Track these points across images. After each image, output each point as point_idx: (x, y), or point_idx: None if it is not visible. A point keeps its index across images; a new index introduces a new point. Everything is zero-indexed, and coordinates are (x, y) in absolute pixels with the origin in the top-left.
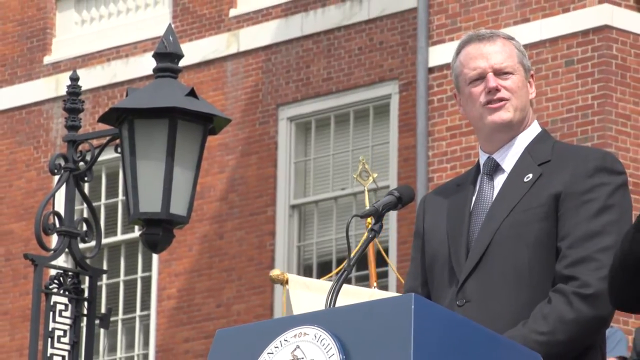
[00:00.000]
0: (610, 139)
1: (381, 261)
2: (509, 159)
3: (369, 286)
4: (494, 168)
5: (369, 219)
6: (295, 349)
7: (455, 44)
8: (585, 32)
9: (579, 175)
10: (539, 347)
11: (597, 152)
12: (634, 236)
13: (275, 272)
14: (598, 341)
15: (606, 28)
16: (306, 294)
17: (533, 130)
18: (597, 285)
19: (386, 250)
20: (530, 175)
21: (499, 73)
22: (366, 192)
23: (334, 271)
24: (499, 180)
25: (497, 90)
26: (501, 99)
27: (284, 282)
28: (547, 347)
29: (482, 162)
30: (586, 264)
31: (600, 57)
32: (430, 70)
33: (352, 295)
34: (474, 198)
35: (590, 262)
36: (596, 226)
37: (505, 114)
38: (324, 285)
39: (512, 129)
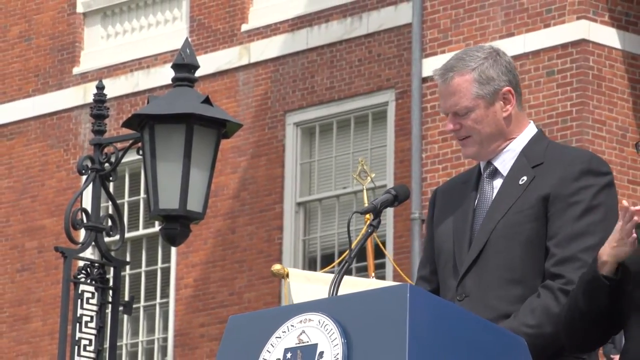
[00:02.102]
0: (587, 143)
1: (379, 253)
2: (505, 163)
3: (367, 276)
4: (493, 172)
5: (368, 215)
6: (301, 334)
7: (446, 56)
8: (564, 45)
9: (566, 179)
10: (527, 338)
11: (583, 155)
12: (578, 296)
13: (276, 267)
14: None
15: (583, 42)
16: (306, 285)
17: (528, 133)
18: None
19: (384, 244)
20: (525, 178)
21: (456, 115)
22: (365, 191)
23: (336, 261)
24: (498, 182)
25: (455, 131)
26: (463, 137)
27: (285, 276)
28: (534, 338)
29: (482, 166)
30: (571, 263)
31: (578, 68)
32: (424, 80)
33: (351, 285)
34: (477, 198)
35: (575, 261)
36: (580, 227)
37: (469, 150)
38: (323, 277)
39: (485, 156)
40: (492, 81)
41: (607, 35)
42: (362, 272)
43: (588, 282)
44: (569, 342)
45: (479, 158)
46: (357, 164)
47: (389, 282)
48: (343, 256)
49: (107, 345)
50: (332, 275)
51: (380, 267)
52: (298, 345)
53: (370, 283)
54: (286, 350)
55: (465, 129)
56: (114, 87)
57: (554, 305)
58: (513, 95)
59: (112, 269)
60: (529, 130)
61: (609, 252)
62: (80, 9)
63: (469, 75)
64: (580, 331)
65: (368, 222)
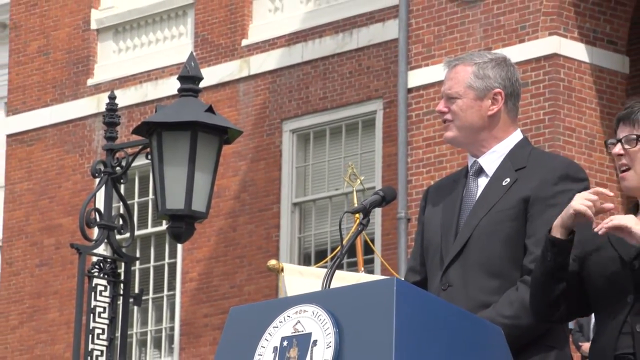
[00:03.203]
0: (559, 148)
1: (368, 250)
2: (491, 163)
3: (357, 271)
4: (479, 170)
5: (358, 215)
6: (296, 323)
7: (430, 69)
8: (537, 59)
9: (546, 183)
10: (504, 328)
11: (563, 162)
12: (537, 263)
13: (271, 263)
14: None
15: (555, 56)
16: (300, 279)
17: (514, 138)
18: None
19: (372, 241)
20: (508, 180)
21: (448, 97)
22: (354, 192)
23: (329, 257)
24: (483, 182)
25: (441, 112)
26: (445, 120)
27: (279, 271)
28: (510, 328)
29: (469, 164)
30: None
31: (550, 80)
32: (409, 90)
33: (341, 279)
34: (463, 195)
35: None
36: None
37: (448, 133)
38: (315, 271)
39: (463, 144)
40: (487, 79)
41: (577, 50)
42: (353, 267)
43: (543, 246)
44: (533, 309)
45: (456, 144)
46: (347, 168)
47: (377, 276)
48: (335, 252)
49: (118, 334)
50: (323, 270)
51: (369, 262)
52: (294, 334)
53: (359, 277)
54: (283, 339)
55: (450, 113)
56: (125, 97)
57: None
58: (502, 99)
59: (123, 264)
60: (515, 136)
61: (559, 217)
62: (94, 25)
63: (470, 67)
64: (539, 294)
65: (358, 221)
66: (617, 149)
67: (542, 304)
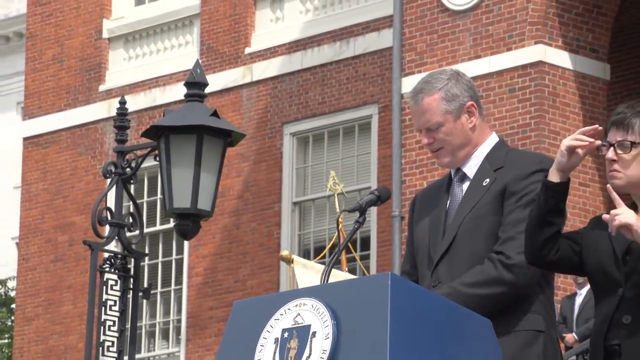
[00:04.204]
0: (544, 150)
1: (364, 246)
2: (472, 168)
3: (341, 269)
4: (462, 177)
5: (341, 217)
6: (296, 316)
7: (422, 75)
8: (524, 66)
9: (519, 177)
10: (464, 297)
11: (536, 157)
12: (533, 206)
13: (284, 253)
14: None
15: (540, 63)
16: (304, 271)
17: (491, 141)
18: (516, 258)
19: (368, 238)
20: (488, 180)
21: (429, 130)
22: (336, 197)
23: (325, 249)
24: (466, 185)
25: (429, 144)
26: (437, 149)
27: (290, 261)
28: (471, 297)
29: (452, 173)
30: (510, 242)
31: (536, 86)
32: (403, 95)
33: (335, 277)
34: (449, 200)
35: (513, 241)
36: (524, 215)
37: (443, 160)
38: (317, 266)
39: (458, 163)
40: (457, 98)
41: (561, 58)
42: (350, 262)
43: (540, 189)
44: (526, 251)
45: (452, 166)
46: (345, 169)
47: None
48: (332, 242)
49: (128, 325)
50: (322, 266)
51: (365, 258)
52: (294, 326)
53: (345, 276)
54: (284, 331)
55: (438, 141)
56: (135, 102)
57: (493, 271)
58: (476, 109)
59: (132, 259)
60: (492, 139)
61: (554, 161)
62: (105, 35)
63: (437, 95)
64: (531, 236)
65: (341, 224)
66: (610, 154)
67: (533, 245)
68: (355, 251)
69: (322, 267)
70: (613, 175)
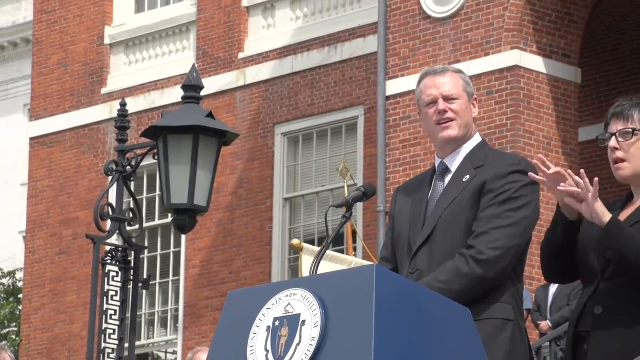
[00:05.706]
0: (519, 149)
1: (354, 239)
2: (455, 163)
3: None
4: (445, 170)
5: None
6: (287, 305)
7: (406, 79)
8: (501, 70)
9: (498, 176)
10: (438, 292)
11: (515, 158)
12: (549, 232)
13: (295, 241)
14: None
15: (516, 67)
16: (312, 259)
17: (475, 140)
18: (488, 253)
19: (354, 231)
20: (468, 176)
21: (447, 99)
22: (346, 186)
23: (330, 240)
24: (448, 179)
25: (445, 111)
26: (449, 119)
27: (301, 250)
28: (443, 292)
29: (436, 165)
30: (482, 237)
31: (512, 89)
32: (387, 98)
33: (337, 260)
34: (430, 192)
35: (486, 236)
36: (498, 211)
37: (452, 131)
38: (328, 254)
39: (458, 141)
40: (470, 86)
41: (535, 62)
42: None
43: (554, 218)
44: (545, 270)
45: (453, 142)
46: (335, 167)
47: (366, 262)
48: (335, 234)
49: (129, 314)
50: (334, 254)
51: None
52: (285, 315)
53: (351, 261)
54: (275, 319)
55: (452, 112)
56: (135, 104)
57: (465, 267)
58: (477, 104)
59: (133, 252)
60: (477, 138)
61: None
62: (107, 40)
63: (459, 75)
64: (547, 259)
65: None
66: (612, 142)
67: (552, 270)
68: (354, 242)
69: (333, 254)
70: (618, 167)
